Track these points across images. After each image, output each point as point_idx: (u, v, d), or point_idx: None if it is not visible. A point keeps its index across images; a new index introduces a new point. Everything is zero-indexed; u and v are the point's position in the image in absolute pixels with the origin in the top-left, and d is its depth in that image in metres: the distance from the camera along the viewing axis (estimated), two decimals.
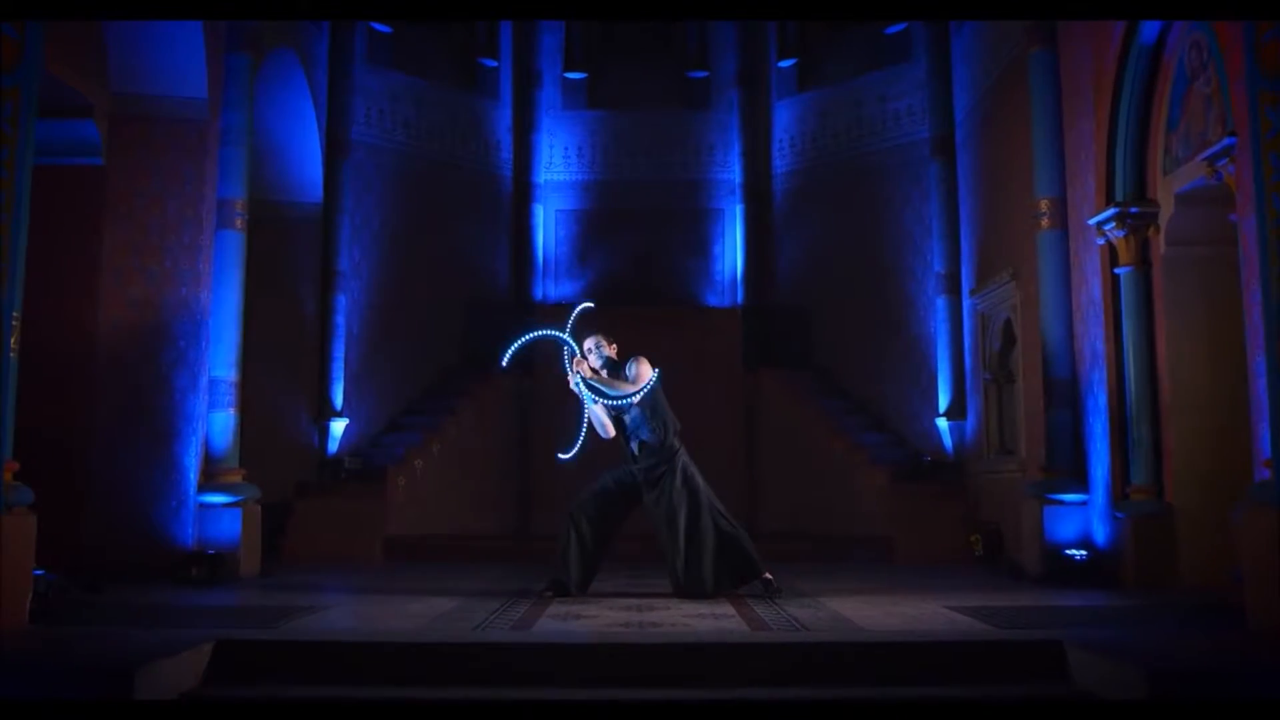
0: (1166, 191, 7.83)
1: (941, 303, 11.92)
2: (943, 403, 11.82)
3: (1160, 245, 7.91)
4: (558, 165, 14.15)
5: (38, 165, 7.96)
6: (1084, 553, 8.17)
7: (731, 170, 14.03)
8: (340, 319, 12.05)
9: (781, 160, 13.87)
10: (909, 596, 7.12)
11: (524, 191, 13.94)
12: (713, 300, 13.87)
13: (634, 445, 7.23)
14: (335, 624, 5.97)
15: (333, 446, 11.87)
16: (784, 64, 13.92)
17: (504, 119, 13.99)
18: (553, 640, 5.23)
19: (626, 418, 7.24)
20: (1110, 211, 8.03)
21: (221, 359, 8.78)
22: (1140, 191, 8.07)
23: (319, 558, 10.28)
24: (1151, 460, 7.89)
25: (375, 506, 11.22)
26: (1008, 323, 10.50)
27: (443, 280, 13.09)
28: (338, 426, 11.90)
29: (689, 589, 6.96)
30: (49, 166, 8.21)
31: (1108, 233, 8.14)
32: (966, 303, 11.55)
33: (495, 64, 13.96)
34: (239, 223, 8.96)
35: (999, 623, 5.73)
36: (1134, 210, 7.97)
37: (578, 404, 7.35)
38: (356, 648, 4.99)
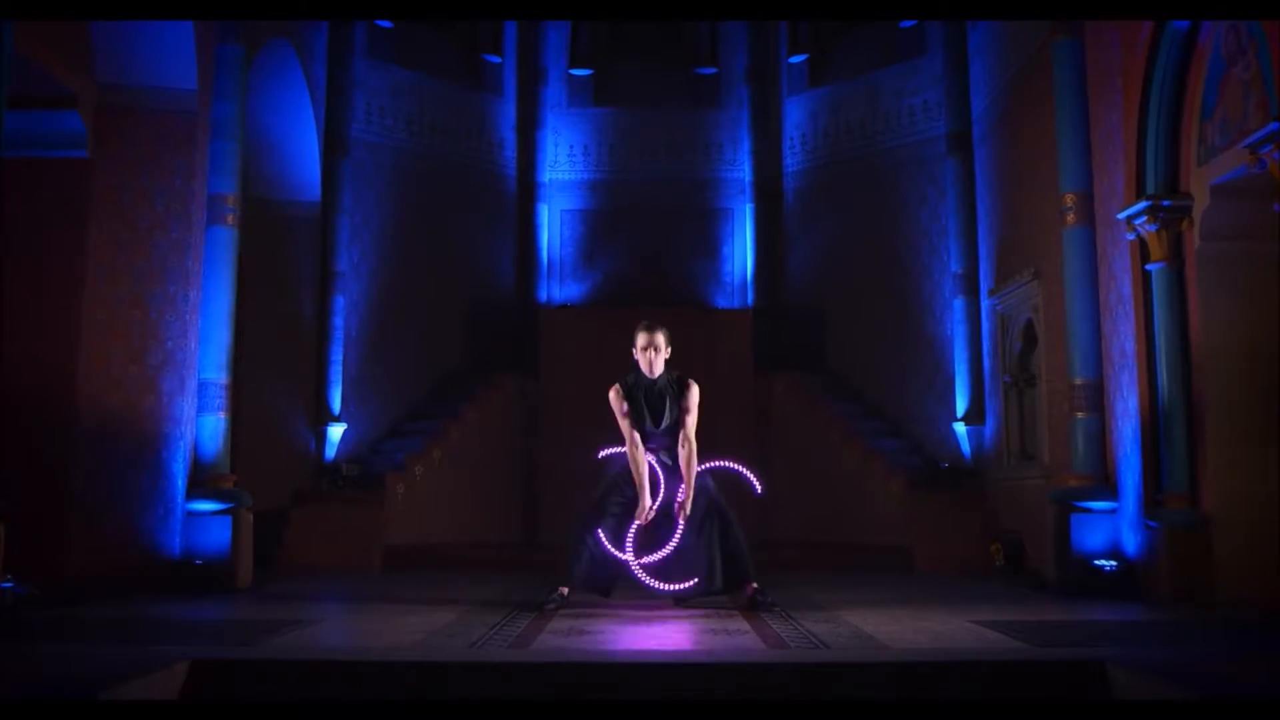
0: (1201, 183, 7.45)
1: (959, 303, 11.54)
2: (960, 407, 11.44)
3: (1194, 240, 7.51)
4: (563, 164, 13.80)
5: (19, 158, 7.69)
6: (1113, 563, 7.78)
7: (741, 168, 13.67)
8: (339, 321, 11.70)
9: (793, 158, 13.51)
10: (932, 610, 6.74)
11: (528, 191, 13.59)
12: (722, 302, 13.51)
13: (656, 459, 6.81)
14: (323, 640, 5.60)
15: (330, 452, 11.52)
16: (795, 59, 13.57)
17: (508, 116, 13.65)
18: (553, 660, 4.86)
19: (665, 438, 6.76)
20: (1141, 205, 7.64)
21: (211, 360, 8.41)
22: (1173, 184, 7.67)
23: (316, 567, 9.96)
24: (1186, 466, 7.48)
25: (374, 514, 10.86)
26: (1029, 323, 10.12)
27: (445, 282, 12.74)
28: (335, 432, 11.55)
29: (693, 592, 6.65)
30: (31, 159, 7.94)
31: (1138, 227, 7.75)
32: (985, 303, 11.17)
33: (499, 60, 13.63)
34: (230, 219, 8.60)
35: (1033, 639, 5.34)
36: (1166, 203, 7.56)
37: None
38: (342, 667, 4.62)
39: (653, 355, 6.68)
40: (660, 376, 6.72)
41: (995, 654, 4.96)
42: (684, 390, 6.72)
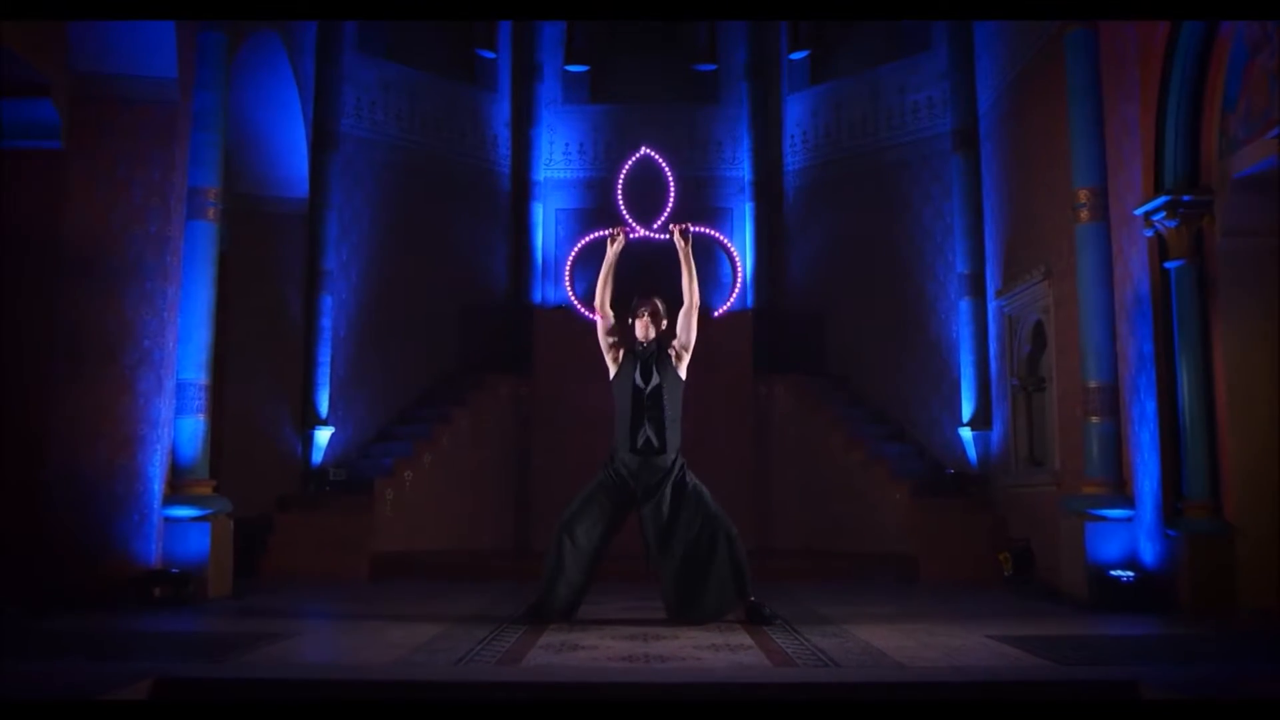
0: (1223, 177, 7.14)
1: (965, 305, 11.21)
2: (966, 411, 11.11)
3: (1216, 236, 7.21)
4: (558, 162, 13.48)
5: None
6: (1131, 574, 7.46)
7: (741, 167, 13.35)
8: (326, 321, 11.35)
9: (793, 156, 13.19)
10: (944, 623, 6.41)
11: (523, 189, 13.26)
12: (721, 303, 13.15)
13: (641, 437, 6.47)
14: (298, 656, 5.26)
15: (317, 457, 11.17)
16: (796, 55, 13.25)
17: (502, 113, 13.33)
18: (543, 679, 4.52)
19: (667, 405, 6.51)
20: (1160, 200, 7.33)
21: (190, 360, 8.06)
22: (1193, 177, 7.36)
23: (301, 576, 9.63)
24: (1207, 473, 7.17)
25: (362, 521, 10.52)
26: (1038, 324, 9.80)
27: (437, 282, 12.40)
28: (322, 435, 11.20)
29: (693, 613, 6.31)
30: (2, 150, 7.60)
31: (1156, 223, 7.43)
32: (992, 304, 10.86)
33: (493, 55, 13.30)
34: (211, 213, 8.26)
35: (1056, 657, 5.01)
36: (1186, 198, 7.26)
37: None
38: (314, 686, 4.28)
39: (648, 324, 6.67)
40: (651, 343, 6.67)
41: (1019, 673, 4.63)
42: (669, 356, 6.67)
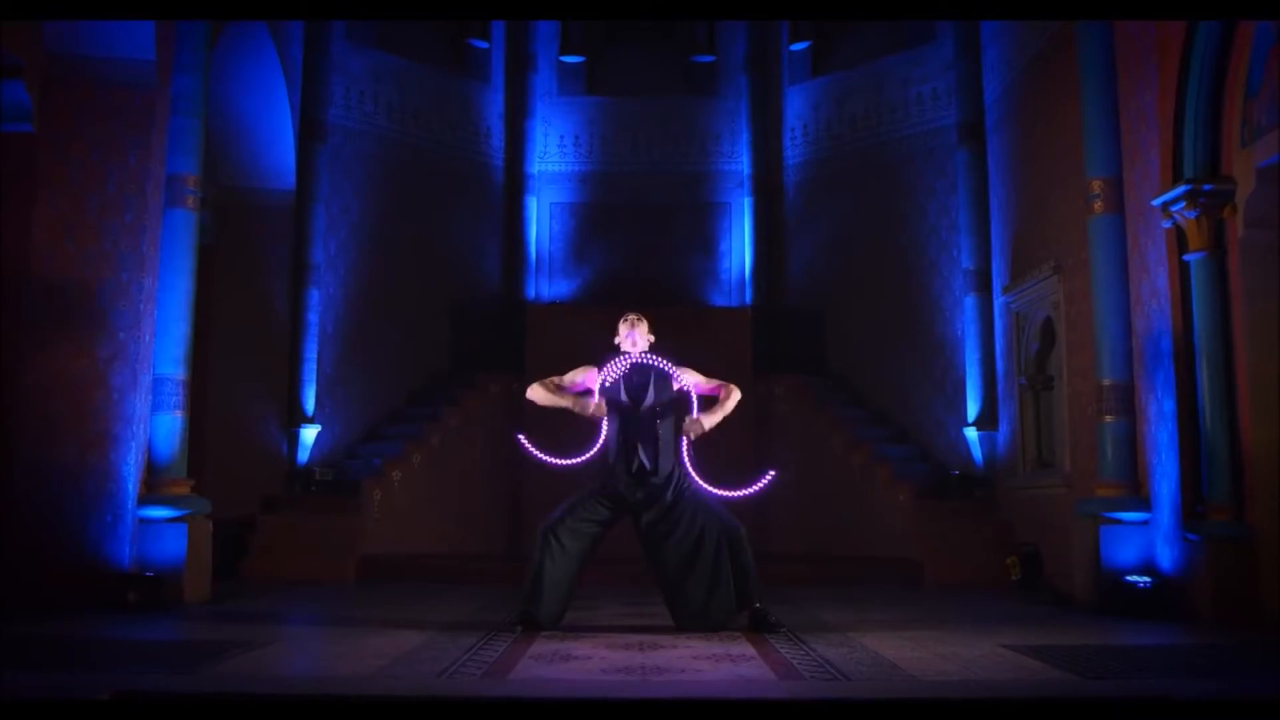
0: (1245, 166, 6.84)
1: (970, 302, 10.91)
2: (971, 411, 10.81)
3: (1238, 227, 6.91)
4: (553, 155, 13.16)
5: None
6: (1147, 579, 7.15)
7: (740, 161, 13.04)
8: (313, 316, 11.03)
9: (794, 150, 12.88)
10: (955, 632, 6.09)
11: (516, 183, 12.94)
12: (719, 301, 12.87)
13: (635, 461, 6.10)
14: (271, 667, 4.93)
15: (303, 456, 10.84)
16: (796, 47, 12.94)
17: (495, 104, 13.01)
18: (532, 694, 4.20)
19: (660, 430, 6.10)
20: (1179, 190, 7.03)
21: (168, 354, 7.72)
22: (1213, 166, 7.06)
23: (285, 579, 9.32)
24: (1228, 474, 6.86)
25: (349, 523, 10.22)
26: (1047, 321, 9.50)
27: (428, 277, 12.09)
28: (309, 434, 10.87)
29: (698, 621, 6.00)
30: None
31: (1175, 214, 7.13)
32: (998, 301, 10.55)
33: (486, 45, 12.98)
34: (191, 201, 7.93)
35: (1079, 669, 4.70)
36: (1207, 188, 6.95)
37: (587, 421, 6.26)
38: (284, 701, 3.96)
39: (631, 347, 6.27)
40: (642, 356, 6.25)
41: (1043, 689, 4.32)
42: (670, 373, 6.20)
